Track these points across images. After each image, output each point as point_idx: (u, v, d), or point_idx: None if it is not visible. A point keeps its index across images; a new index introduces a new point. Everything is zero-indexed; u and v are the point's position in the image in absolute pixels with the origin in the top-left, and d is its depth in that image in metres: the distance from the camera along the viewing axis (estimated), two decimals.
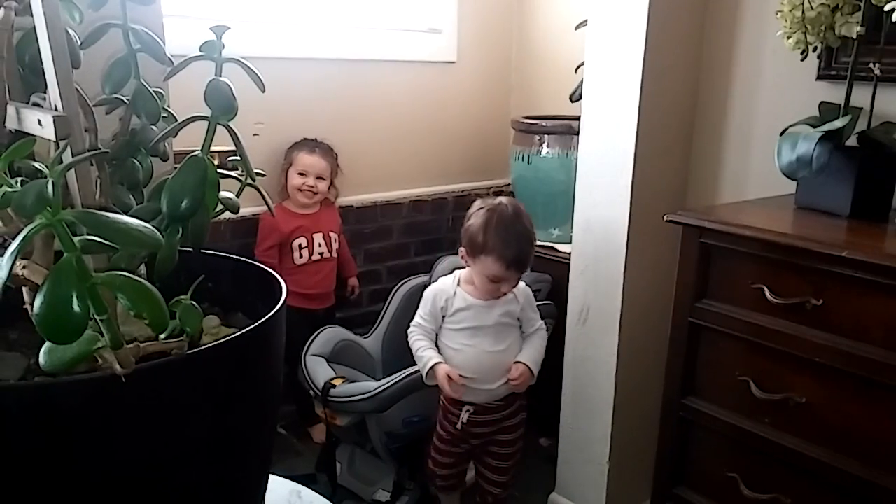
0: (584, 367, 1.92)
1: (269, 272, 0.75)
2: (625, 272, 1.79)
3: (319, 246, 2.37)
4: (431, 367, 1.73)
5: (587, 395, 1.92)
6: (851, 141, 1.41)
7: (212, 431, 0.57)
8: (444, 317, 1.79)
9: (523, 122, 2.50)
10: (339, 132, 2.51)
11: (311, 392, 1.96)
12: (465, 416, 1.78)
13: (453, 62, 2.79)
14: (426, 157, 2.79)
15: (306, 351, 2.07)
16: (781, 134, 1.42)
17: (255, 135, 2.32)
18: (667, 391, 1.46)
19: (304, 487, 0.88)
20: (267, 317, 0.61)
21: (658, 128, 1.75)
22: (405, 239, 2.77)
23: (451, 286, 1.80)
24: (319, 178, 2.33)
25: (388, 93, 2.64)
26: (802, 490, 1.27)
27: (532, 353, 1.78)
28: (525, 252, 1.71)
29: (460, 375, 1.71)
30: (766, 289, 1.27)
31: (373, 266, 2.70)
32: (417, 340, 1.78)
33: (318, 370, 1.99)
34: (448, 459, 1.86)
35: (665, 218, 1.40)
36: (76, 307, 0.43)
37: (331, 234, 2.40)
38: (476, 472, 1.93)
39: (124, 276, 0.46)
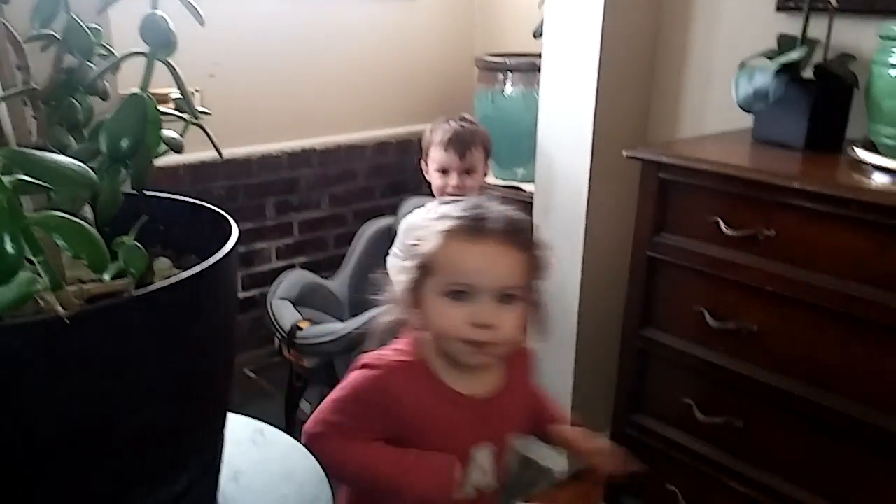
0: (548, 305, 1.95)
1: (222, 214, 0.74)
2: (587, 209, 1.80)
3: None
4: None
5: (551, 330, 1.95)
6: (809, 73, 1.42)
7: (164, 374, 0.57)
8: None
9: (486, 61, 2.46)
10: (297, 72, 2.46)
11: (278, 335, 1.97)
12: None
13: None
14: (389, 97, 2.75)
15: (272, 295, 2.07)
16: (740, 67, 1.43)
17: (211, 76, 2.25)
18: (626, 323, 1.50)
19: (267, 426, 0.89)
20: (216, 257, 0.61)
21: (619, 64, 1.74)
22: (370, 181, 2.75)
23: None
24: None
25: (347, 31, 2.57)
26: (753, 412, 1.32)
27: None
28: (464, 136, 1.78)
29: None
30: (720, 221, 1.29)
31: (338, 209, 2.68)
32: (392, 268, 1.82)
33: (285, 313, 1.99)
34: None
35: (624, 154, 1.41)
36: (9, 247, 0.42)
37: None
38: None
39: (59, 216, 0.45)
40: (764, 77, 1.35)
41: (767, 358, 1.28)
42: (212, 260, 0.60)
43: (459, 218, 0.93)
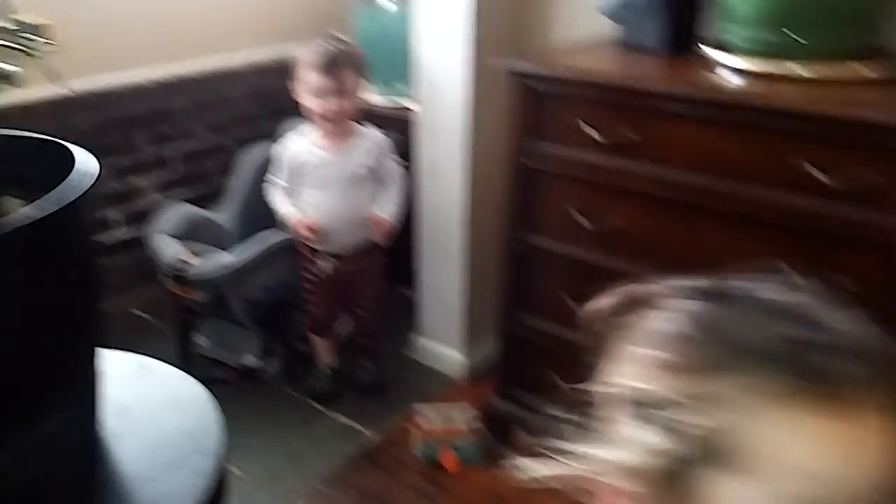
0: (435, 217, 1.99)
1: (77, 149, 0.71)
2: (467, 124, 1.82)
3: None
4: (290, 221, 1.81)
5: (440, 244, 2.01)
6: None
7: (16, 316, 0.55)
8: (296, 172, 1.83)
9: None
10: None
11: (164, 271, 1.93)
12: (324, 265, 1.86)
13: None
14: (264, 16, 2.62)
15: (154, 231, 2.00)
16: None
17: (66, 2, 2.07)
18: (506, 229, 1.56)
19: (151, 360, 0.89)
20: (61, 194, 0.59)
21: None
22: (250, 108, 2.65)
23: (301, 142, 1.84)
24: None
25: None
26: None
27: (390, 207, 1.86)
28: (336, 57, 1.74)
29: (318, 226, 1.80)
30: (591, 128, 1.35)
31: (218, 139, 2.59)
32: (274, 196, 1.86)
33: (169, 249, 1.94)
34: (318, 299, 1.95)
35: (496, 64, 1.43)
36: None
37: None
38: (346, 310, 2.03)
39: None
40: None
41: (636, 252, 1.38)
42: (55, 196, 0.58)
43: (783, 359, 0.45)
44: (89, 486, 0.67)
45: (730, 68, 1.31)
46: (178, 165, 2.50)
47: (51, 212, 0.56)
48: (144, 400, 0.81)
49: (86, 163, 0.66)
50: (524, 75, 1.40)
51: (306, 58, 1.75)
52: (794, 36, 1.23)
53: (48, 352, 0.59)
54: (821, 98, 1.15)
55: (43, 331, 0.58)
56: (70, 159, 0.69)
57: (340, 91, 1.75)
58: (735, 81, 1.27)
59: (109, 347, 0.75)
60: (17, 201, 0.69)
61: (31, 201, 0.70)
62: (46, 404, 0.59)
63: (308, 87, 1.76)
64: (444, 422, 1.75)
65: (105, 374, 0.70)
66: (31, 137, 0.72)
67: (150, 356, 0.89)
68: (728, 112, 1.19)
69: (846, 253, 1.13)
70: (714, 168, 1.24)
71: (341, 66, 1.74)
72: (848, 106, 1.10)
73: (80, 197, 0.60)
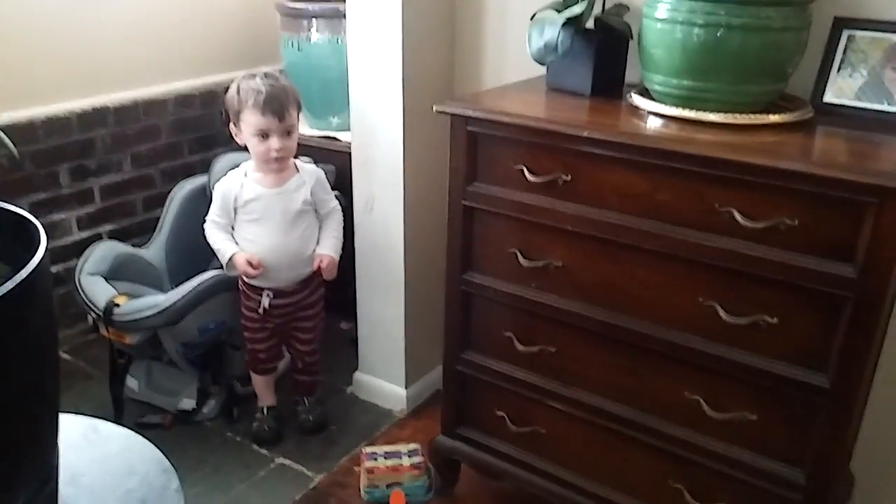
0: (374, 253, 2.01)
1: (22, 214, 0.70)
2: (404, 161, 1.86)
3: None
4: (230, 258, 1.79)
5: (380, 278, 2.02)
6: (591, 24, 1.55)
7: None
8: (236, 209, 1.82)
9: (289, 7, 2.39)
10: (78, 22, 2.24)
11: (93, 314, 1.86)
12: (265, 301, 1.85)
13: None
14: (188, 47, 2.59)
15: (80, 271, 1.94)
16: (531, 20, 1.52)
17: None
18: (448, 269, 1.59)
19: (99, 421, 0.88)
20: (27, 270, 0.58)
21: (421, 16, 1.78)
22: (175, 138, 2.60)
23: (239, 178, 1.82)
24: None
25: None
26: (563, 339, 1.48)
27: (332, 242, 1.87)
28: (278, 96, 1.73)
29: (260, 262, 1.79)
30: (524, 168, 1.40)
31: (143, 170, 2.53)
32: (213, 234, 1.84)
33: (97, 289, 1.88)
34: (260, 335, 1.93)
35: (434, 109, 1.47)
36: None
37: None
38: (286, 346, 2.03)
39: None
40: (552, 30, 1.45)
41: (571, 289, 1.44)
42: (22, 274, 0.57)
43: None
44: None
45: (651, 113, 1.39)
46: (100, 199, 2.43)
47: (16, 283, 0.55)
48: (97, 466, 0.80)
49: (32, 226, 0.66)
50: (462, 118, 1.45)
51: (245, 98, 1.73)
52: (710, 84, 1.32)
53: (15, 429, 0.58)
54: (734, 144, 1.23)
55: (14, 405, 0.57)
56: (12, 222, 0.68)
57: (287, 130, 1.75)
58: (654, 126, 1.35)
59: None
60: None
61: None
62: (11, 485, 0.58)
63: (251, 128, 1.74)
64: (390, 460, 1.75)
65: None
66: None
67: (82, 405, 0.87)
68: (647, 155, 1.26)
69: (767, 291, 1.22)
70: (640, 208, 1.31)
71: (285, 104, 1.74)
72: (759, 152, 1.19)
73: (37, 267, 0.59)
